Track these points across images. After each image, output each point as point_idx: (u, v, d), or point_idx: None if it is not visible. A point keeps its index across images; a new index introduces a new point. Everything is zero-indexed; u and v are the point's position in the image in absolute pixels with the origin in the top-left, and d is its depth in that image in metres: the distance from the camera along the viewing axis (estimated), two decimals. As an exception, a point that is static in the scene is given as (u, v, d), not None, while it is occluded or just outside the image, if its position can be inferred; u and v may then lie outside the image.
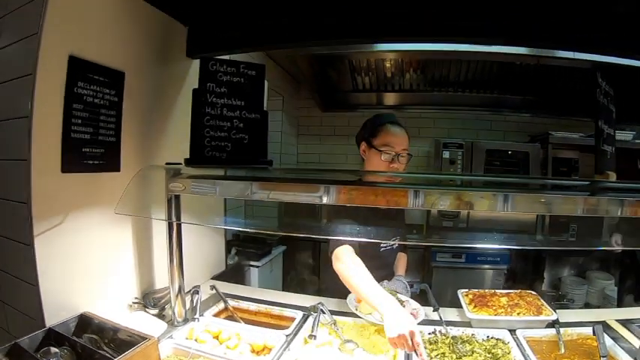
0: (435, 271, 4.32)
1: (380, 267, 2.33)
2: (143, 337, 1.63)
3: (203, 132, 1.83)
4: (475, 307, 2.16)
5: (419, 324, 1.92)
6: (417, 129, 5.18)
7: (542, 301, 2.21)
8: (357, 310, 2.10)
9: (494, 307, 2.14)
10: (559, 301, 4.02)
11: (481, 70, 4.47)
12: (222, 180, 1.84)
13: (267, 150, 1.94)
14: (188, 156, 1.91)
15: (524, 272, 4.41)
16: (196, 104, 1.85)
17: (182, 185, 1.87)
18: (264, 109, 1.97)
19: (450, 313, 2.23)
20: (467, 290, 2.35)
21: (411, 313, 2.01)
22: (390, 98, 5.18)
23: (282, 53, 3.63)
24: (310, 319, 2.08)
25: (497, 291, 2.34)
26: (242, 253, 3.95)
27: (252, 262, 3.93)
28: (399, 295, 2.17)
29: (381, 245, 2.39)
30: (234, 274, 3.42)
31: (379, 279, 2.12)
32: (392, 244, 2.43)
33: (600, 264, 4.38)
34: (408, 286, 2.41)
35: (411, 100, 5.13)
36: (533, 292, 2.32)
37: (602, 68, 2.71)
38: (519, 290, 2.35)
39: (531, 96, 4.86)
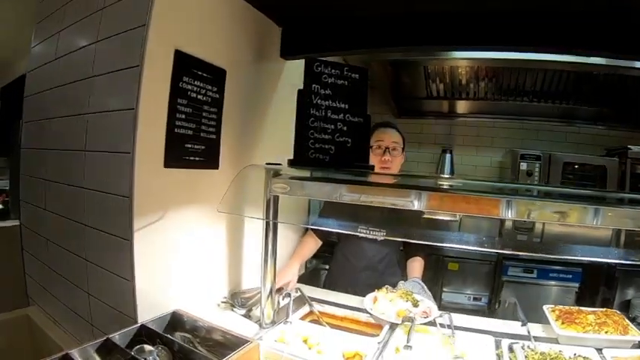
0: (505, 285, 4.19)
1: (360, 257, 2.75)
2: (241, 339, 1.62)
3: (308, 133, 1.80)
4: (563, 323, 2.08)
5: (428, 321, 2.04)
6: (489, 138, 5.05)
7: (627, 321, 2.11)
8: (371, 310, 2.17)
9: (582, 325, 2.05)
10: (630, 323, 3.85)
11: (558, 80, 4.29)
12: (331, 182, 1.82)
13: (368, 155, 1.90)
14: (281, 156, 1.89)
15: (595, 292, 4.23)
16: (301, 105, 1.81)
17: (286, 186, 1.86)
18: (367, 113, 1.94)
19: (534, 329, 2.13)
20: (552, 306, 2.26)
21: (424, 311, 2.13)
22: (462, 106, 5.01)
23: (358, 58, 3.61)
24: (399, 328, 2.01)
25: (582, 308, 2.24)
26: (317, 256, 3.88)
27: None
28: (414, 294, 2.24)
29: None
30: (311, 277, 3.47)
31: (359, 270, 2.73)
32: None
33: (672, 286, 4.16)
34: (425, 287, 2.46)
35: (484, 108, 4.97)
36: (618, 312, 2.21)
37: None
38: (605, 309, 2.25)
39: (607, 108, 4.64)
